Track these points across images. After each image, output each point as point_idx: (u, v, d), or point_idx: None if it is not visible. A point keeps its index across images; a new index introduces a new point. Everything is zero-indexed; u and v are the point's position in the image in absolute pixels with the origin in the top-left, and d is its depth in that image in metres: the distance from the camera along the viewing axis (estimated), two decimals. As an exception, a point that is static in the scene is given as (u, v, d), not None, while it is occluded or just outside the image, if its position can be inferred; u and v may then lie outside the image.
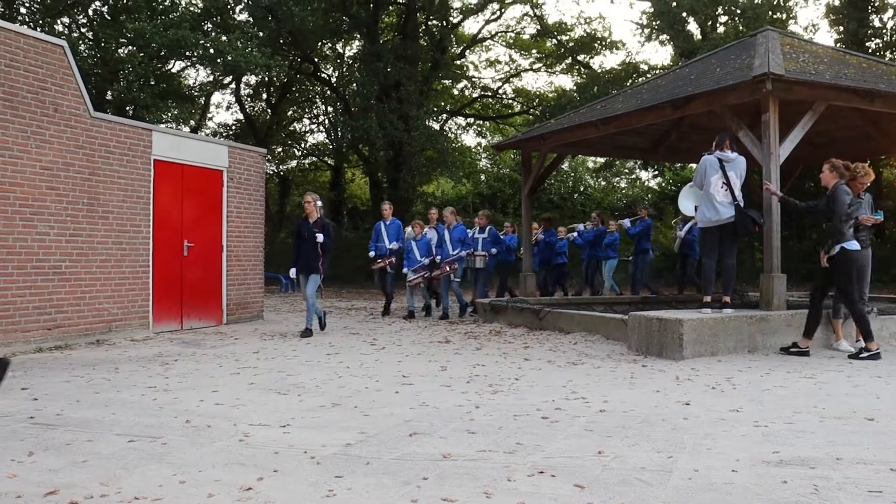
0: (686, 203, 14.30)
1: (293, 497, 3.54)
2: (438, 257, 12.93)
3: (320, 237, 10.31)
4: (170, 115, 25.51)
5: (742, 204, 8.59)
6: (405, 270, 13.27)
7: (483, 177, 33.23)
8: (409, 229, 14.06)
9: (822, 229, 8.23)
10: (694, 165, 8.68)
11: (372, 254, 13.55)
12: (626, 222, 15.50)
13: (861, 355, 7.83)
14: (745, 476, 3.80)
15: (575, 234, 15.77)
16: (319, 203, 10.78)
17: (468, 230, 13.73)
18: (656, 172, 29.38)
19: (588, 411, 5.38)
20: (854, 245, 7.96)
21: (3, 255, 8.72)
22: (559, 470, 3.92)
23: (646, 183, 32.29)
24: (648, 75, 24.70)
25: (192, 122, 30.25)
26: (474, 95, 33.46)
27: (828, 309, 8.80)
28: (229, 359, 8.21)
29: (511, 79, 33.22)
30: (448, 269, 12.76)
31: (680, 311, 9.09)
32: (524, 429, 4.84)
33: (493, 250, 13.52)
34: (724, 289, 8.96)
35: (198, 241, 11.54)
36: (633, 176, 33.52)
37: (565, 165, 29.33)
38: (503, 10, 30.71)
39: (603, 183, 32.56)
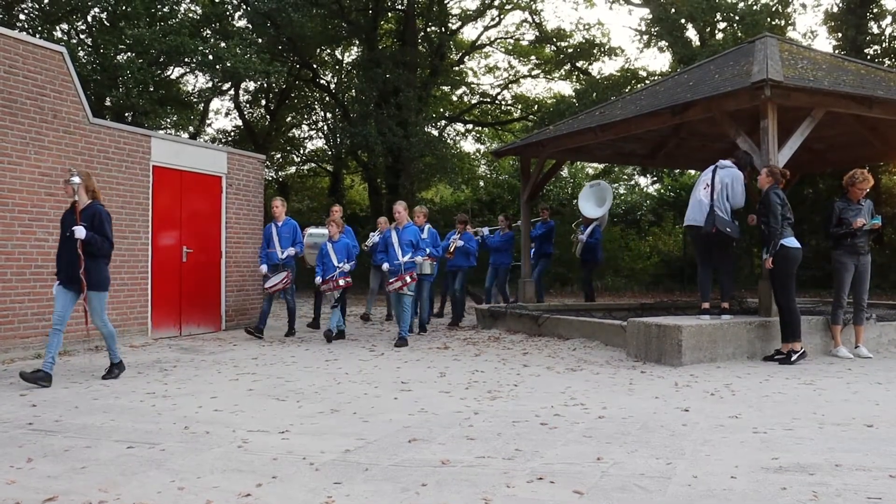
0: (586, 204, 14.08)
1: (292, 503, 3.54)
2: (386, 265, 10.82)
3: (81, 232, 7.09)
4: (169, 121, 25.54)
5: (720, 209, 8.56)
6: (317, 279, 10.94)
7: (482, 183, 33.20)
8: (319, 229, 11.99)
9: (763, 232, 8.25)
10: (693, 171, 8.76)
11: (263, 268, 11.25)
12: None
13: (793, 357, 7.90)
14: (745, 482, 3.79)
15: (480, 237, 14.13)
16: (77, 180, 7.25)
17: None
18: (655, 178, 29.35)
19: (587, 417, 5.38)
20: (793, 242, 8.06)
21: (1, 261, 8.71)
22: (558, 476, 3.91)
23: (644, 189, 32.29)
24: (647, 81, 24.71)
25: (191, 129, 30.25)
26: (473, 101, 33.46)
27: (826, 316, 8.82)
28: (228, 365, 8.20)
29: (510, 85, 33.23)
30: (404, 282, 10.33)
31: (679, 317, 9.09)
32: (523, 435, 4.83)
33: (428, 251, 11.07)
34: (721, 295, 8.98)
35: (197, 247, 11.53)
36: (632, 182, 33.51)
37: (564, 171, 29.30)
38: (502, 17, 30.72)
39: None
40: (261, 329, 11.00)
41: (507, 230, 13.95)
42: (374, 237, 12.81)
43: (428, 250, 10.99)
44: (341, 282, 10.65)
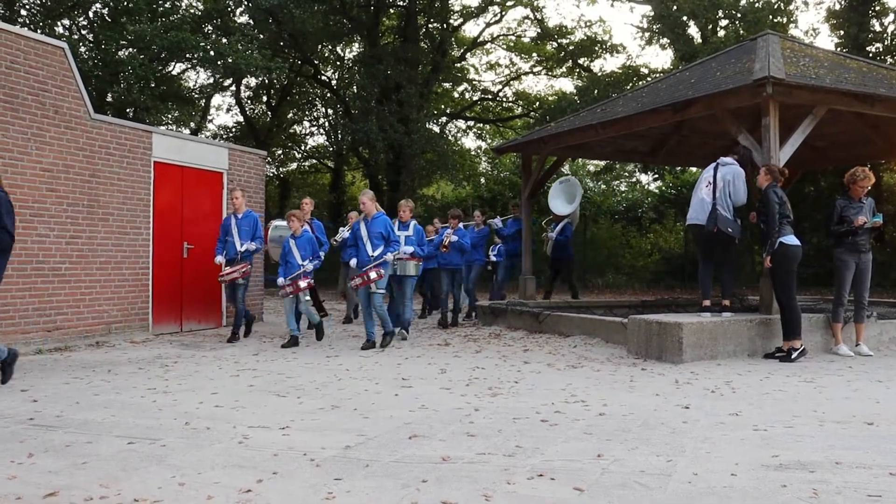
0: (556, 202, 13.59)
1: (292, 499, 3.54)
2: (354, 260, 9.73)
3: None
4: (170, 117, 25.55)
5: (723, 207, 8.55)
6: (280, 280, 9.84)
7: (483, 180, 33.22)
8: (284, 221, 10.84)
9: (762, 230, 8.25)
10: (694, 169, 8.71)
11: (219, 259, 10.21)
12: (497, 221, 14.12)
13: (793, 355, 7.89)
14: (745, 480, 3.79)
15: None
16: None
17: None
18: (656, 176, 29.36)
19: (587, 414, 5.38)
20: (792, 240, 8.06)
21: (3, 256, 8.71)
22: (558, 473, 3.91)
23: (646, 186, 32.29)
24: (649, 79, 24.70)
25: (193, 125, 30.27)
26: (474, 98, 33.47)
27: (827, 313, 8.81)
28: (229, 361, 8.21)
29: (511, 82, 33.23)
30: (367, 279, 9.23)
31: (680, 314, 9.09)
32: (523, 432, 4.84)
33: (409, 250, 10.02)
34: (722, 293, 8.99)
35: (198, 243, 11.53)
36: (633, 179, 33.52)
37: (565, 168, 29.29)
38: (504, 13, 30.71)
39: (603, 186, 32.54)
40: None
41: (481, 226, 13.29)
42: (344, 232, 11.83)
43: (412, 249, 10.01)
44: (302, 283, 9.60)
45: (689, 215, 9.07)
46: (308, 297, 10.08)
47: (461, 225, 12.30)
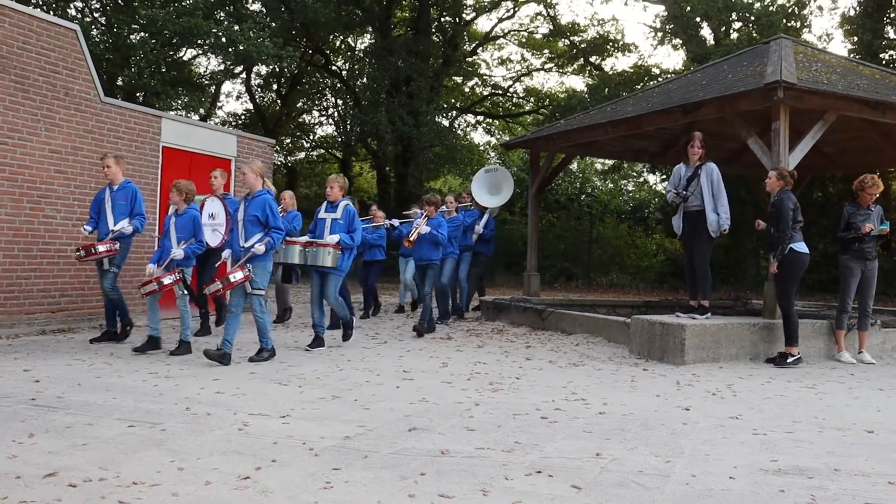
0: (479, 191, 12.39)
1: (290, 487, 3.55)
2: (227, 252, 7.80)
3: None
4: (180, 102, 25.54)
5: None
6: (149, 268, 7.95)
7: (491, 175, 33.21)
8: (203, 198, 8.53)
9: (771, 235, 8.10)
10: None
11: (87, 229, 8.31)
12: (480, 228, 12.08)
13: (788, 360, 7.82)
14: (743, 483, 3.79)
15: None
16: None
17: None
18: (664, 177, 29.29)
19: (587, 413, 5.38)
20: (802, 246, 8.00)
21: (9, 237, 8.74)
22: (557, 470, 3.92)
23: (653, 187, 32.24)
24: (660, 79, 24.64)
25: (202, 111, 30.26)
26: (485, 93, 33.43)
27: (831, 320, 8.79)
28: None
29: (522, 78, 33.16)
30: (229, 281, 7.22)
31: (683, 316, 9.07)
32: (523, 428, 4.84)
33: (334, 239, 8.18)
34: (690, 293, 8.88)
35: (204, 230, 11.52)
36: (641, 179, 33.48)
37: (573, 166, 29.26)
38: (517, 9, 30.65)
39: (610, 185, 32.50)
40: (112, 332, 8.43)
41: (454, 214, 11.52)
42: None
43: (337, 238, 8.17)
44: (166, 279, 7.67)
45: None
46: (185, 292, 7.97)
47: (441, 213, 10.69)
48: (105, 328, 8.55)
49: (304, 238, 8.44)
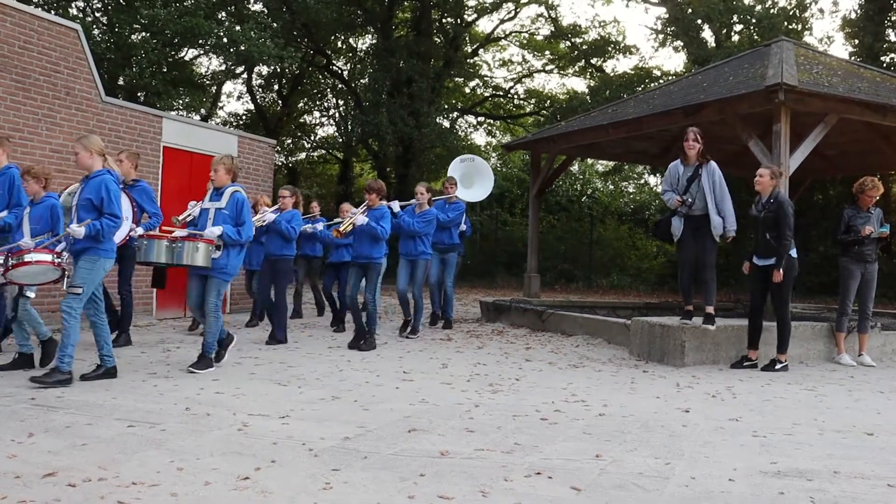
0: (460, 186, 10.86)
1: (290, 488, 3.55)
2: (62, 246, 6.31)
3: None
4: (181, 102, 25.52)
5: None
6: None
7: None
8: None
9: (767, 240, 7.72)
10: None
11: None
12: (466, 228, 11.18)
13: (775, 367, 7.72)
14: (742, 485, 3.79)
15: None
16: None
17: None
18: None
19: (587, 414, 5.38)
20: (795, 251, 7.81)
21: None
22: (556, 472, 3.92)
23: (654, 188, 32.26)
24: (661, 81, 24.64)
25: (203, 111, 30.26)
26: (486, 94, 33.44)
27: (831, 322, 8.79)
28: (231, 348, 8.20)
29: (523, 79, 33.19)
30: (38, 257, 6.03)
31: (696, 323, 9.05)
32: (523, 429, 4.84)
33: (216, 232, 6.71)
34: (685, 297, 8.42)
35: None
36: (642, 181, 33.49)
37: (574, 168, 29.28)
38: (518, 10, 30.67)
39: (611, 187, 32.52)
40: None
41: (425, 207, 9.80)
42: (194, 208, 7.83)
43: (219, 231, 6.73)
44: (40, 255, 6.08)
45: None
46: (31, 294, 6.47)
47: (390, 204, 9.16)
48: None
49: (185, 232, 6.92)
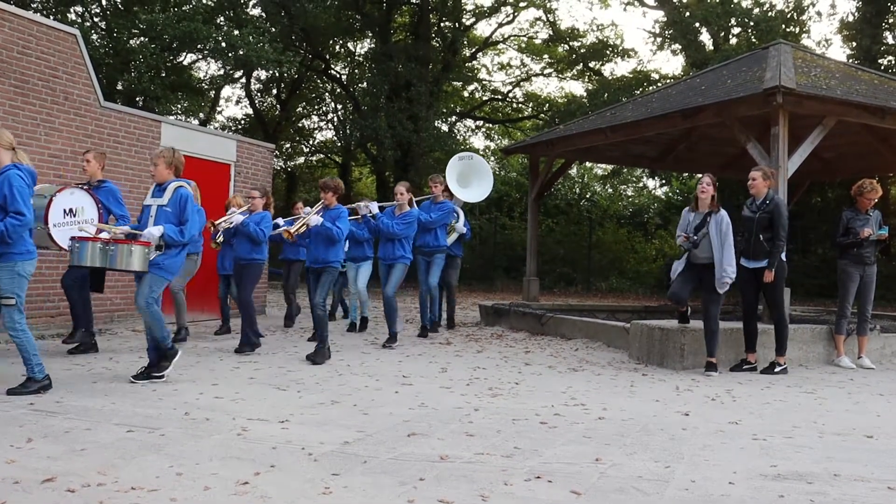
0: (451, 181, 10.30)
1: (289, 493, 3.54)
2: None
3: None
4: (179, 107, 25.59)
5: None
6: None
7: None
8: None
9: (759, 242, 7.66)
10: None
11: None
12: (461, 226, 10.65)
13: (775, 370, 7.72)
14: (742, 489, 3.79)
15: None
16: None
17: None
18: (663, 181, 29.35)
19: (587, 418, 5.38)
20: (784, 255, 7.81)
21: (8, 241, 8.72)
22: (556, 476, 3.91)
23: (653, 192, 32.30)
24: (659, 84, 24.69)
25: (202, 115, 30.30)
26: (484, 98, 33.48)
27: (830, 325, 8.79)
28: (230, 352, 8.21)
29: (521, 83, 33.22)
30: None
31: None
32: (522, 433, 4.83)
33: (156, 232, 6.24)
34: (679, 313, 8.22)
35: (204, 234, 11.52)
36: (640, 184, 33.52)
37: (573, 171, 29.31)
38: (516, 14, 30.72)
39: (610, 190, 32.55)
40: None
41: (406, 208, 9.36)
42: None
43: (159, 231, 6.26)
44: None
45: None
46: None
47: (369, 205, 9.11)
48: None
49: (124, 229, 6.55)
